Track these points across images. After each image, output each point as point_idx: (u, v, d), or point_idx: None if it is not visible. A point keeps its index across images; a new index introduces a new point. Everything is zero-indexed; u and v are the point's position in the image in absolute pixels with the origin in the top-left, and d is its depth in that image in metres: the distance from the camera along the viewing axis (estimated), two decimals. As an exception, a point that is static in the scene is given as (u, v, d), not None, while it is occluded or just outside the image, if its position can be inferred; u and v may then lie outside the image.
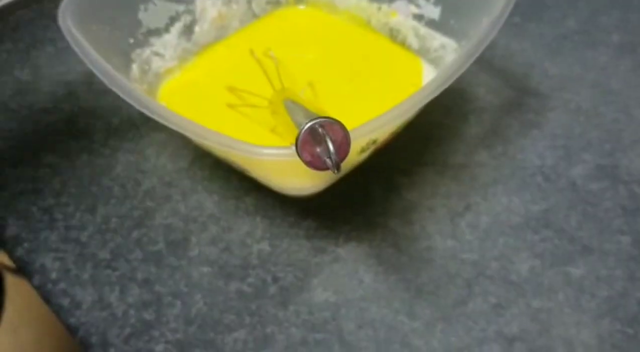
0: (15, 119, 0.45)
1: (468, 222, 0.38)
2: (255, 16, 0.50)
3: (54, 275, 0.36)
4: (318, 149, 0.25)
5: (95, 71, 0.33)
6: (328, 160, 0.25)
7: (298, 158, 0.25)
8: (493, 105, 0.45)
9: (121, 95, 0.32)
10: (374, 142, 0.34)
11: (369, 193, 0.39)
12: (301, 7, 0.52)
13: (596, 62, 0.48)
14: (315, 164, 0.25)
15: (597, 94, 0.45)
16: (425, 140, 0.42)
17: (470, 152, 0.42)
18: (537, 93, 0.45)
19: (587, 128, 0.43)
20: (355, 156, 0.35)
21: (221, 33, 0.48)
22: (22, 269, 0.37)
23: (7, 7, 0.56)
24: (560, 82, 0.46)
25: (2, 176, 0.41)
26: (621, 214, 0.38)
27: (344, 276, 0.35)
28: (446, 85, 0.31)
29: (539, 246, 0.36)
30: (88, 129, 0.44)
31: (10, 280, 0.38)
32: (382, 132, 0.34)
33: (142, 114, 0.31)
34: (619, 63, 0.48)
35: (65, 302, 0.35)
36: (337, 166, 0.25)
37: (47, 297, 0.35)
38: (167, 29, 0.44)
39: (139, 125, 0.44)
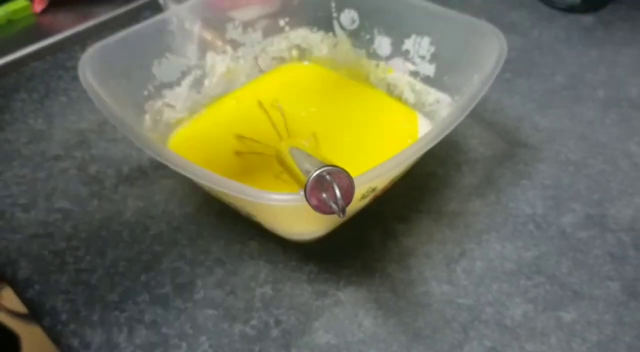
0: (28, 165, 0.47)
1: (463, 267, 0.39)
2: (261, 71, 0.53)
3: (64, 316, 0.37)
4: (324, 195, 0.27)
5: (113, 122, 0.36)
6: (334, 205, 0.27)
7: (305, 203, 0.27)
8: (486, 156, 0.47)
9: (137, 143, 0.34)
10: (374, 190, 0.36)
11: (368, 239, 0.41)
12: (305, 63, 0.55)
13: (584, 116, 0.50)
14: (321, 208, 0.27)
15: (585, 146, 0.48)
16: (422, 189, 0.44)
17: (464, 200, 0.44)
18: (527, 145, 0.48)
19: (576, 178, 0.45)
20: (356, 202, 0.37)
21: (229, 86, 0.51)
22: (33, 311, 0.38)
23: (22, 58, 0.59)
24: (550, 134, 0.49)
25: (15, 220, 0.43)
26: (610, 261, 0.39)
27: (344, 319, 0.37)
28: (441, 137, 0.34)
29: (531, 292, 0.38)
30: (99, 175, 0.46)
31: (21, 327, 0.39)
32: (382, 181, 0.36)
33: (151, 162, 0.33)
34: (605, 117, 0.50)
35: (75, 342, 0.36)
36: (343, 210, 0.26)
37: (57, 339, 0.36)
38: (178, 83, 0.47)
39: (148, 173, 0.46)
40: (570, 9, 0.63)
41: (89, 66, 0.39)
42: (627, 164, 0.46)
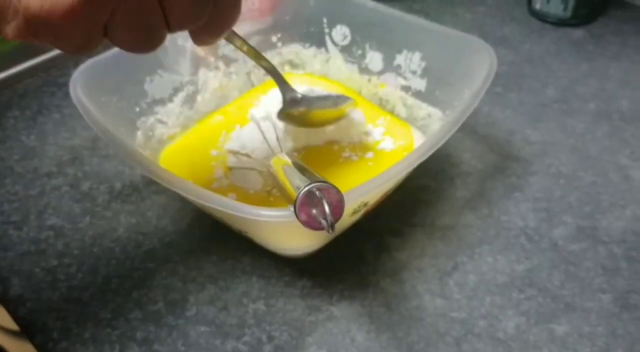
0: (20, 182, 0.47)
1: (456, 281, 0.39)
2: (253, 86, 0.53)
3: (55, 334, 0.37)
4: (314, 211, 0.27)
5: (103, 138, 0.36)
6: (323, 221, 0.27)
7: (295, 219, 0.27)
8: (478, 169, 0.47)
9: (127, 160, 0.34)
10: (365, 204, 0.36)
11: (362, 253, 0.41)
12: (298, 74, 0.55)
13: (575, 129, 0.51)
14: (311, 224, 0.27)
15: (576, 159, 0.48)
16: (415, 203, 0.45)
17: (457, 213, 0.44)
18: (519, 158, 0.48)
19: (567, 191, 0.45)
20: (347, 218, 0.37)
21: (221, 102, 0.51)
22: (25, 329, 0.38)
23: (14, 75, 0.59)
24: (541, 147, 0.49)
25: (7, 237, 0.43)
26: (602, 273, 0.39)
27: (337, 335, 0.37)
28: (431, 152, 0.34)
29: (524, 304, 0.38)
30: (91, 192, 0.46)
31: (12, 344, 0.38)
32: (373, 196, 0.36)
33: (144, 178, 0.33)
34: (596, 129, 0.51)
35: (66, 361, 0.36)
36: (332, 226, 0.26)
37: (48, 356, 0.36)
38: (170, 99, 0.47)
39: (140, 189, 0.46)
40: (560, 23, 0.64)
41: (80, 83, 0.39)
42: (618, 176, 0.46)
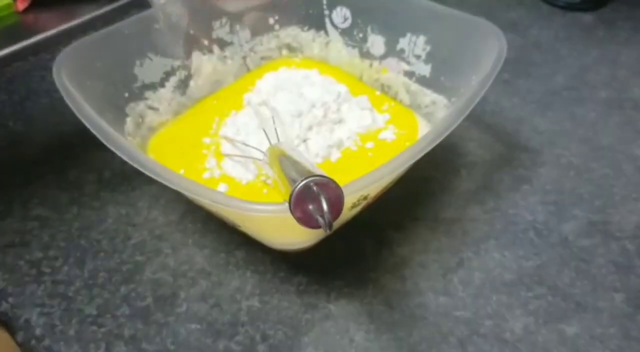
0: (5, 171, 0.45)
1: (460, 278, 0.37)
2: (249, 70, 0.51)
3: (38, 331, 0.35)
4: (310, 207, 0.25)
5: (87, 125, 0.34)
6: (320, 219, 0.25)
7: (290, 215, 0.25)
8: (484, 160, 0.45)
9: (112, 149, 0.32)
10: (365, 198, 0.34)
11: (361, 248, 0.39)
12: (295, 59, 0.53)
13: (585, 118, 0.49)
14: (306, 221, 0.25)
15: (587, 150, 0.46)
16: (417, 195, 0.43)
17: (462, 206, 0.42)
18: (527, 148, 0.46)
19: (578, 183, 0.43)
20: (346, 212, 0.35)
21: (215, 87, 0.49)
22: (5, 325, 0.36)
23: (3, 58, 0.57)
24: (550, 137, 0.47)
25: (-10, 228, 0.41)
26: (614, 271, 0.38)
27: (335, 334, 0.35)
28: (436, 143, 0.32)
29: (532, 303, 0.36)
30: (79, 181, 0.44)
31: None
32: (374, 188, 0.34)
33: (134, 167, 0.31)
34: (608, 119, 0.48)
35: (49, 360, 0.34)
36: (330, 225, 0.24)
37: (30, 355, 0.34)
38: (162, 84, 0.45)
39: (131, 178, 0.44)
40: (570, 7, 0.61)
41: (64, 66, 0.37)
42: (631, 168, 0.44)
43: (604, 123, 0.48)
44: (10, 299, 0.37)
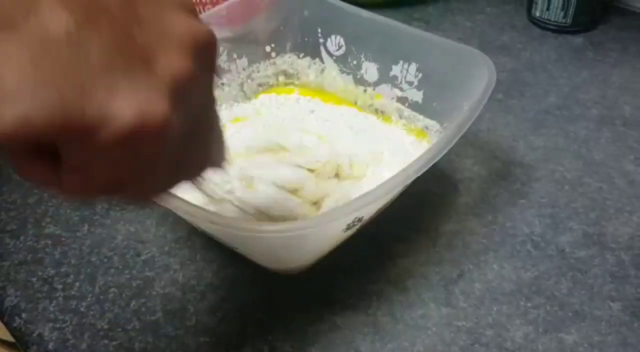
0: (18, 191, 0.47)
1: (462, 289, 0.38)
2: (246, 97, 0.53)
3: (51, 346, 0.36)
4: None
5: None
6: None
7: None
8: (481, 175, 0.47)
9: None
10: (360, 220, 0.35)
11: (364, 260, 0.40)
12: (291, 87, 0.54)
13: (578, 135, 0.50)
14: None
15: (581, 165, 0.47)
16: (418, 208, 0.44)
17: (462, 220, 0.43)
18: (522, 164, 0.48)
19: (573, 197, 0.45)
20: (341, 234, 0.36)
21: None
22: (19, 340, 0.37)
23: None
24: (545, 153, 0.48)
25: (3, 246, 0.42)
26: (610, 280, 0.39)
27: (341, 345, 0.36)
28: (427, 167, 0.33)
29: (531, 313, 0.37)
30: (90, 200, 0.45)
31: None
32: (368, 211, 0.36)
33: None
34: (599, 135, 0.50)
35: (62, 373, 0.35)
36: None
37: (43, 368, 0.35)
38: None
39: (139, 197, 0.45)
40: (560, 30, 0.63)
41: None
42: (623, 182, 0.46)
43: (596, 139, 0.50)
44: (24, 315, 0.38)
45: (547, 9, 0.63)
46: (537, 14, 0.64)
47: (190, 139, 0.23)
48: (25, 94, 0.17)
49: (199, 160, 0.25)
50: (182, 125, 0.21)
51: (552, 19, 0.63)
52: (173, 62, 0.20)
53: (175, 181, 0.24)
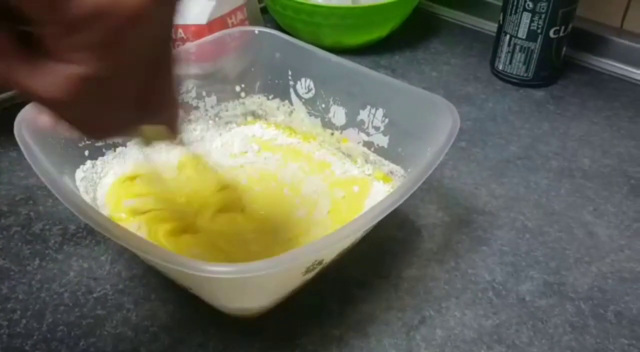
0: (-33, 222, 0.45)
1: (423, 336, 0.38)
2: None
3: (-10, 387, 0.34)
4: None
5: (43, 180, 0.34)
6: None
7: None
8: (444, 221, 0.47)
9: (65, 204, 0.32)
10: (320, 263, 0.35)
11: (325, 305, 0.40)
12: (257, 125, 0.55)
13: (539, 185, 0.51)
14: None
15: (541, 214, 0.48)
16: (381, 253, 0.44)
17: (424, 266, 0.43)
18: (484, 211, 0.48)
19: (533, 246, 0.45)
20: (300, 277, 0.35)
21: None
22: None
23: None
24: (506, 202, 0.49)
25: (-54, 280, 0.40)
26: (570, 330, 0.39)
27: (299, 391, 0.35)
28: (389, 212, 0.33)
29: (492, 362, 0.37)
30: (43, 234, 0.44)
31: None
32: (328, 254, 0.35)
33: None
34: (559, 186, 0.51)
35: None
36: None
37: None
38: (123, 143, 0.46)
39: (95, 232, 0.44)
40: (522, 84, 0.66)
41: (25, 121, 0.37)
42: (582, 232, 0.46)
43: (556, 190, 0.51)
44: (-38, 354, 0.36)
45: (510, 63, 0.65)
46: (500, 67, 0.66)
47: (152, 70, 0.23)
48: None
49: (161, 102, 0.26)
50: (151, 36, 0.21)
51: (515, 73, 0.65)
52: None
53: (139, 118, 0.25)
